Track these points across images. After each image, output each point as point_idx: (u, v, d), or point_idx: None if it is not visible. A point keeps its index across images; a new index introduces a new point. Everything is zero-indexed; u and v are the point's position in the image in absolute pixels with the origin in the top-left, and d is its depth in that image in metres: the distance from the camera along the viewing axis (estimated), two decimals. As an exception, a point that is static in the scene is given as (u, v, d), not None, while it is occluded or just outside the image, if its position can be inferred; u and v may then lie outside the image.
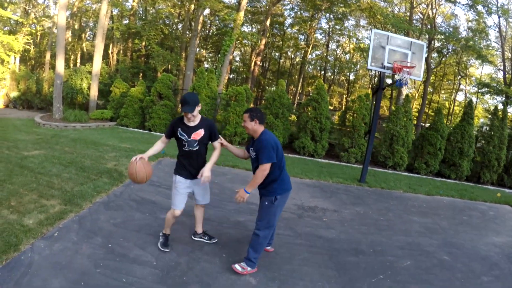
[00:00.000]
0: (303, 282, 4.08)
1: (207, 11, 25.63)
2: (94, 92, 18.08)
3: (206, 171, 4.18)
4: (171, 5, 26.49)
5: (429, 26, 24.00)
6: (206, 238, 4.93)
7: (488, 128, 13.88)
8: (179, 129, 4.19)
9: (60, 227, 4.84)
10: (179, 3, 24.88)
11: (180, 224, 5.38)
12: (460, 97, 36.41)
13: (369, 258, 4.95)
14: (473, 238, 6.42)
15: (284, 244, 5.11)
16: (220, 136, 4.42)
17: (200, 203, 4.71)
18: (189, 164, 4.31)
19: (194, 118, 4.19)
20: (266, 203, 4.11)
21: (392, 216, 7.10)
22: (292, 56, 40.90)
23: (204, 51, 36.77)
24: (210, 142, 4.40)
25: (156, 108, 15.61)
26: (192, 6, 23.30)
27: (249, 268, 4.12)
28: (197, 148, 4.23)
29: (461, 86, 34.07)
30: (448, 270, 4.88)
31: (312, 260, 4.67)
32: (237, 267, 4.11)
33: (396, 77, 8.83)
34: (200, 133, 4.22)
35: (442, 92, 37.66)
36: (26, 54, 30.58)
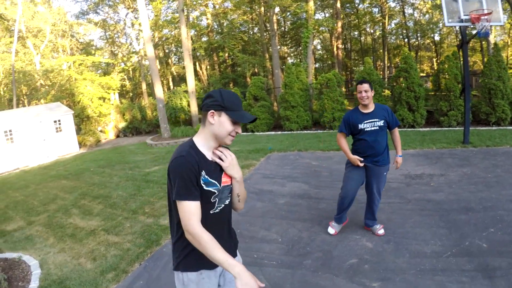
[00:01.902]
0: (416, 241, 4.42)
1: (277, 9, 26.15)
2: (194, 108, 19.81)
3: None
4: (242, 13, 27.45)
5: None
6: None
7: None
8: (203, 171, 2.00)
9: (193, 222, 5.79)
10: (249, 9, 25.74)
11: (297, 206, 6.14)
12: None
13: (479, 214, 5.05)
14: None
15: (395, 210, 5.48)
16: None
17: None
18: (220, 235, 2.07)
19: None
20: (385, 173, 4.56)
21: (501, 172, 7.00)
22: (372, 31, 39.88)
23: (285, 47, 37.38)
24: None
25: (255, 110, 16.56)
26: (262, 9, 23.98)
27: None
28: (228, 201, 2.21)
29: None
30: None
31: (423, 222, 4.97)
32: (381, 232, 4.72)
33: (477, 27, 8.52)
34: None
35: (536, 30, 33.79)
36: (123, 88, 33.89)
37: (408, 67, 13.56)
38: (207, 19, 29.50)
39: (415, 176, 7.24)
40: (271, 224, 5.42)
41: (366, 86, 4.21)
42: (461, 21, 8.84)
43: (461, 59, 9.90)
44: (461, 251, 4.08)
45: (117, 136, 23.54)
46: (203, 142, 2.07)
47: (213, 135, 2.05)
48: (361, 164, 4.39)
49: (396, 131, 4.52)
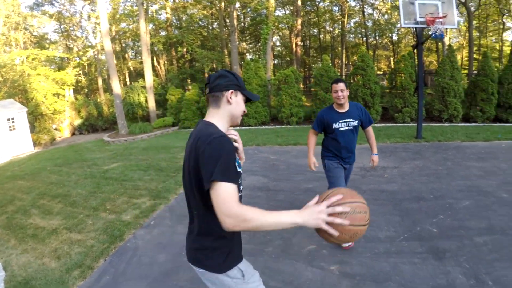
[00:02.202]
0: (370, 228, 4.57)
1: (238, 4, 26.10)
2: (152, 104, 19.52)
3: None
4: (201, 7, 27.20)
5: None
6: None
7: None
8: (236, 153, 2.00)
9: (154, 217, 5.79)
10: (209, 4, 25.58)
11: (257, 198, 6.22)
12: (510, 36, 34.53)
13: (430, 203, 5.34)
14: (533, 175, 6.51)
15: (350, 201, 5.67)
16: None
17: None
18: None
19: None
20: (352, 169, 4.68)
21: (451, 165, 7.38)
22: (331, 29, 40.59)
23: (244, 43, 37.40)
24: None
25: (213, 106, 16.45)
26: (223, 4, 23.90)
27: None
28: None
29: (508, 25, 32.14)
30: (507, 205, 5.05)
31: (378, 210, 5.18)
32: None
33: (432, 29, 8.94)
34: None
35: (490, 34, 35.61)
36: (79, 84, 32.74)
37: (365, 65, 14.01)
38: (166, 13, 29.04)
39: (369, 168, 7.53)
40: (233, 216, 5.46)
41: (341, 85, 4.06)
42: (417, 23, 9.27)
43: (416, 58, 10.31)
44: (413, 236, 4.29)
45: (73, 134, 22.71)
46: (221, 124, 1.98)
47: (230, 115, 2.01)
48: (314, 169, 4.40)
49: (371, 129, 4.45)
